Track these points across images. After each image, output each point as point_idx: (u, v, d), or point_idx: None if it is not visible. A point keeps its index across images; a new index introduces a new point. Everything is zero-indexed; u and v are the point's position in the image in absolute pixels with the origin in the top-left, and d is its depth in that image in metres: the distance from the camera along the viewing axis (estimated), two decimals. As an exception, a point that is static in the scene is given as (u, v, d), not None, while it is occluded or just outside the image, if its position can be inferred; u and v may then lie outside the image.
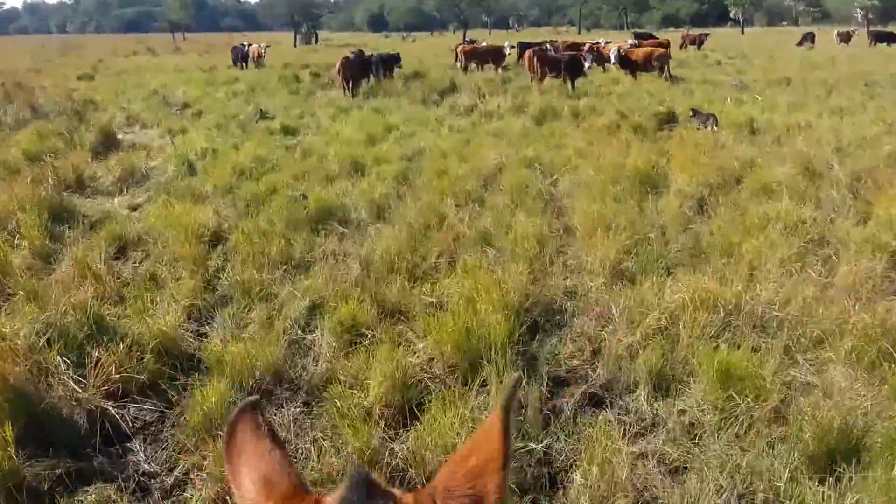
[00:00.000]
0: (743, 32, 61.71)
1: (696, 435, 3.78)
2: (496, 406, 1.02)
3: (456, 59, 26.64)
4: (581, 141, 11.38)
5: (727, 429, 3.71)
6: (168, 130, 14.04)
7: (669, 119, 12.87)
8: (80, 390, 4.06)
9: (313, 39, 58.95)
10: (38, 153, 10.62)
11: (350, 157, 10.35)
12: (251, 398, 1.13)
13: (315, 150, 11.44)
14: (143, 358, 4.39)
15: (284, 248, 6.29)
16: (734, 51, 35.46)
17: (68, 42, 72.83)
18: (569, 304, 5.33)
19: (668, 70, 21.29)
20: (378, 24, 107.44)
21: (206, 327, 5.10)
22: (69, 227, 7.10)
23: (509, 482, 0.99)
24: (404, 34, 70.44)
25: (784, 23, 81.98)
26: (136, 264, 6.30)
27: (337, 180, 9.30)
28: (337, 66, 19.87)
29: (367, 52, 24.97)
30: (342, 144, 11.71)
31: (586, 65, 18.00)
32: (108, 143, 11.51)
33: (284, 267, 6.04)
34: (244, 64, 29.62)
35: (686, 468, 3.53)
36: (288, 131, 13.59)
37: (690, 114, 13.04)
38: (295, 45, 55.26)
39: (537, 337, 4.81)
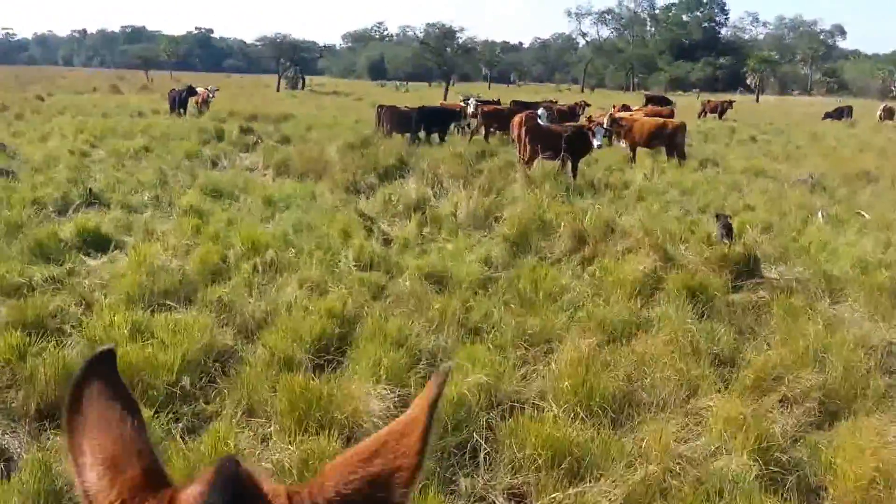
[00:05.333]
0: (758, 100, 56.57)
1: None
2: (420, 398, 0.80)
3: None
4: (589, 327, 5.47)
5: None
6: None
7: (746, 267, 6.94)
8: None
9: (299, 84, 53.78)
10: None
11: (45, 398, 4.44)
12: (104, 347, 0.85)
13: (65, 318, 5.53)
14: None
15: None
16: (762, 122, 29.90)
17: (48, 74, 67.88)
18: None
19: (682, 151, 15.38)
20: (378, 72, 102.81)
21: None
22: None
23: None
24: (398, 83, 65.32)
25: (796, 92, 77.06)
26: None
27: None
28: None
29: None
30: (112, 311, 5.74)
31: (595, 143, 12.21)
32: None
33: None
34: (182, 110, 23.96)
35: None
36: (89, 245, 7.70)
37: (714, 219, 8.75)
38: (278, 90, 50.10)
39: None
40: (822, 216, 9.76)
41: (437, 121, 18.36)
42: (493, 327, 5.51)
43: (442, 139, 18.02)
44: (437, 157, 12.80)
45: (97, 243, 7.79)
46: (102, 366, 0.84)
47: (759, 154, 17.89)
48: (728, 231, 8.64)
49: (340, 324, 5.33)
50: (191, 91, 24.83)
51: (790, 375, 4.52)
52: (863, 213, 9.95)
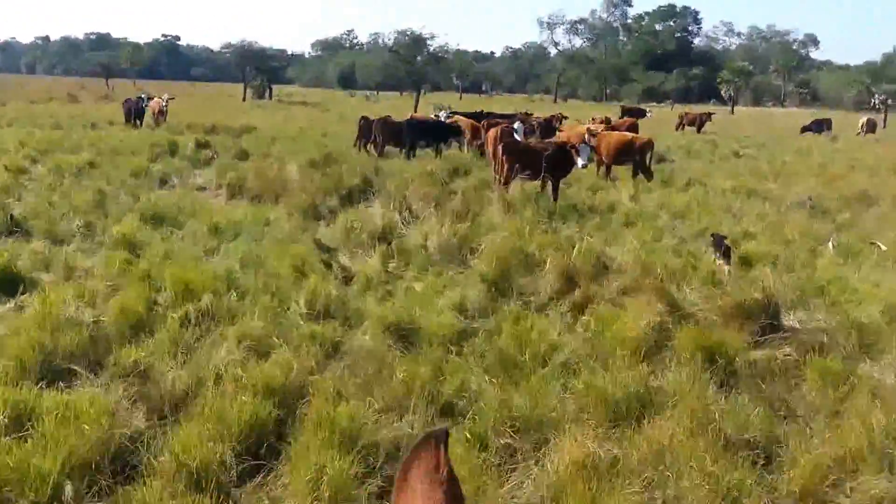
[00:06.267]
0: (733, 112, 56.44)
1: None
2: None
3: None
4: (588, 403, 4.48)
5: None
6: None
7: (765, 317, 5.98)
8: None
9: (267, 94, 52.43)
10: None
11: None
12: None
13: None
14: None
15: None
16: (741, 136, 29.39)
17: (7, 82, 65.58)
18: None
19: (649, 165, 14.68)
20: (349, 81, 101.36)
21: None
22: None
23: None
24: (368, 93, 64.23)
25: (770, 103, 77.42)
26: None
27: None
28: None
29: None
30: None
31: (580, 162, 11.27)
32: None
33: None
34: (139, 121, 22.62)
35: None
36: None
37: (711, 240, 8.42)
38: (244, 99, 48.74)
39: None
40: (833, 247, 8.90)
41: (435, 135, 17.32)
42: (470, 404, 4.49)
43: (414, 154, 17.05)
44: (405, 177, 11.78)
45: (7, 284, 6.63)
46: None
47: (746, 171, 17.13)
48: (726, 254, 8.03)
49: (280, 403, 4.27)
50: (141, 100, 23.35)
51: (851, 482, 3.55)
52: (878, 243, 9.10)
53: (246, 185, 11.29)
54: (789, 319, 6.32)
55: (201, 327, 5.52)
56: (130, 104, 22.75)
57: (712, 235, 8.72)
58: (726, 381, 5.04)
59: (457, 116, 20.76)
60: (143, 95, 23.30)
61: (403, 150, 16.95)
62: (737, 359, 5.24)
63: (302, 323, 5.65)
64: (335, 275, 7.22)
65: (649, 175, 14.14)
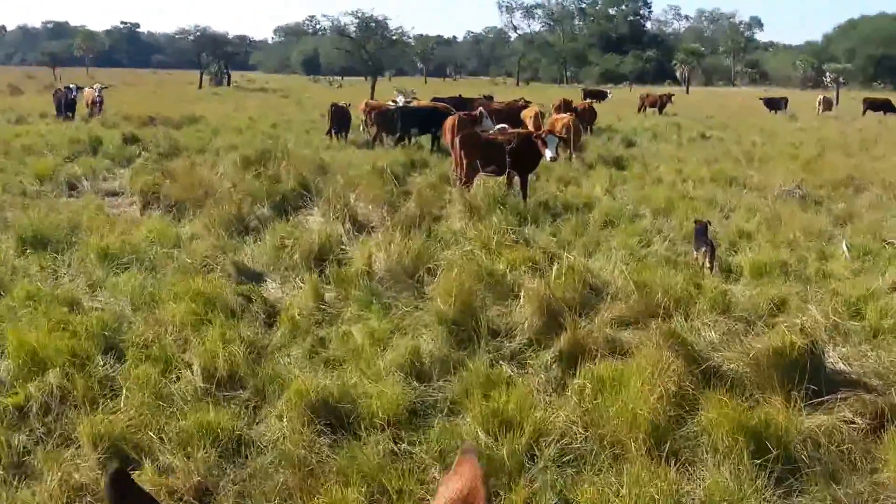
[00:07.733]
0: (688, 92, 55.33)
1: None
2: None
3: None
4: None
5: None
6: None
7: (807, 364, 4.42)
8: None
9: (225, 81, 49.63)
10: None
11: None
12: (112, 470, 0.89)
13: None
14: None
15: None
16: (701, 116, 28.11)
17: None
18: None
19: (573, 148, 13.48)
20: (313, 66, 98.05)
21: None
22: None
23: None
24: (332, 79, 61.44)
25: (721, 82, 76.73)
26: None
27: None
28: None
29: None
30: None
31: (548, 154, 9.59)
32: None
33: None
34: (70, 113, 20.22)
35: None
36: None
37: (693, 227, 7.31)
38: (200, 87, 45.98)
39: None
40: (847, 249, 7.42)
41: (429, 123, 15.55)
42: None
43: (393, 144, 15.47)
44: (352, 175, 9.99)
45: None
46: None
47: (718, 155, 15.69)
48: (711, 250, 6.81)
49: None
50: (70, 90, 20.89)
51: None
52: (894, 242, 7.65)
53: (165, 191, 9.32)
54: (831, 357, 4.82)
55: (44, 421, 3.76)
56: (60, 95, 20.29)
57: (695, 222, 7.39)
58: (783, 476, 3.49)
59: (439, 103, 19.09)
60: (72, 86, 20.78)
61: (395, 137, 15.63)
62: (791, 443, 3.67)
63: (191, 410, 3.89)
64: (255, 315, 5.47)
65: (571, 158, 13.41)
